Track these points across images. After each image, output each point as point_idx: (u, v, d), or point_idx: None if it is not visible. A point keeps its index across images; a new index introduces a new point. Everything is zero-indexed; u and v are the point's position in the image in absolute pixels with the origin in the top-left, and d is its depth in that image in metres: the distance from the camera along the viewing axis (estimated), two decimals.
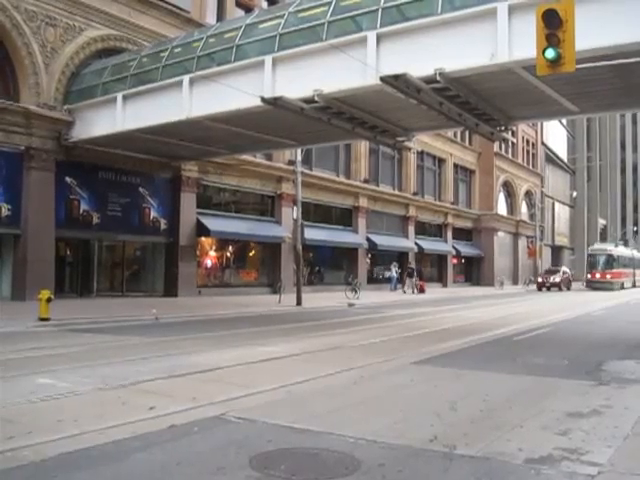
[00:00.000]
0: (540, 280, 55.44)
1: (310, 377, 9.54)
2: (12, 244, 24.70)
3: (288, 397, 8.26)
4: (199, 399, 7.89)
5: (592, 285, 55.83)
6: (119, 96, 23.20)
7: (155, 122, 22.13)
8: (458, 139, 55.79)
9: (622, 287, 56.93)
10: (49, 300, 17.20)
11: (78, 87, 25.59)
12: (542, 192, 69.10)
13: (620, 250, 62.78)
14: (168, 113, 21.47)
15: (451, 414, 7.32)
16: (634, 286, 63.10)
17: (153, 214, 30.13)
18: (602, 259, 56.75)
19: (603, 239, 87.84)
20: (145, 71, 22.83)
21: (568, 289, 55.29)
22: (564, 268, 60.76)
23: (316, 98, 18.12)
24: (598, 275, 56.00)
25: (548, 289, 54.02)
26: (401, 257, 48.18)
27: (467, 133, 54.51)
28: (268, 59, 18.86)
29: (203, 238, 32.70)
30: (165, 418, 6.91)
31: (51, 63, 25.08)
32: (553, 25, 10.68)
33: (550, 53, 10.82)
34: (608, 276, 55.37)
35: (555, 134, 74.04)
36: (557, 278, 55.27)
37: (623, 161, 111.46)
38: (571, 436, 6.37)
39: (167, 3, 29.09)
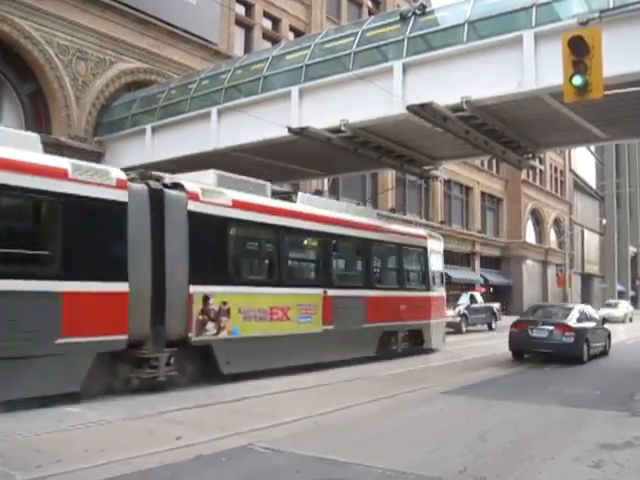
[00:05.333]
0: None
1: (338, 407, 9.45)
2: None
3: (316, 427, 8.19)
4: (226, 429, 7.84)
5: None
6: (148, 128, 23.49)
7: (184, 153, 22.29)
8: (485, 167, 55.53)
9: None
10: None
11: (108, 119, 25.96)
12: (571, 219, 68.44)
13: None
14: (196, 144, 21.67)
15: (481, 445, 7.20)
16: None
17: None
18: None
19: (634, 267, 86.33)
20: (174, 103, 23.10)
21: None
22: None
23: (343, 128, 18.15)
24: None
25: None
26: None
27: (494, 161, 54.17)
28: (295, 90, 18.99)
29: None
30: (192, 448, 6.87)
31: (82, 96, 25.49)
32: (580, 52, 10.63)
33: (577, 80, 10.74)
34: None
35: (583, 161, 73.36)
36: None
37: None
38: (604, 469, 6.23)
39: (195, 36, 29.53)
